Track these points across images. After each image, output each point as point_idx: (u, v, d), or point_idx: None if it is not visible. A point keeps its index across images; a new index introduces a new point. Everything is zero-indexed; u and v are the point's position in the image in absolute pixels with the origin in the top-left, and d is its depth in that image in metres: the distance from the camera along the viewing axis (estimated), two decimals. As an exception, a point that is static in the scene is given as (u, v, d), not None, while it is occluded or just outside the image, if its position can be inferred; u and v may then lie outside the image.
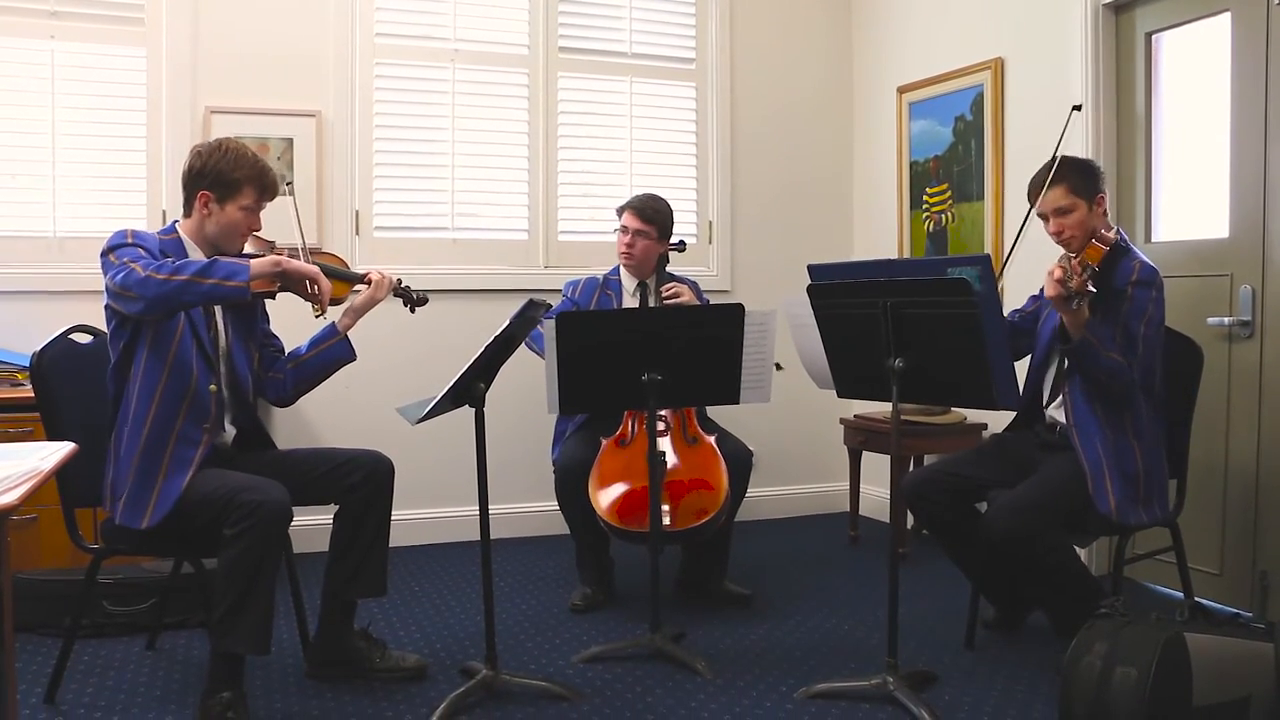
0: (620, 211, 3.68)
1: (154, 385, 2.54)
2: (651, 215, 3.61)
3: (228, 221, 2.65)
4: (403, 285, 2.97)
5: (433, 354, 4.09)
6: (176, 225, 2.70)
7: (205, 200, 2.64)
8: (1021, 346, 3.04)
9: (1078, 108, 2.87)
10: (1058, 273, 2.57)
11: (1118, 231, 2.88)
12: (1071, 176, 2.83)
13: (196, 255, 2.65)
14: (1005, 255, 2.88)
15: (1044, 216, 2.90)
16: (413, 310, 3.02)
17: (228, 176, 2.63)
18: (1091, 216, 2.84)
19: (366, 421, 4.04)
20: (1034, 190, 2.91)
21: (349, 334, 2.89)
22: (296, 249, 2.75)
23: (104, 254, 2.51)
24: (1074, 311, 2.62)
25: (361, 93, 4.21)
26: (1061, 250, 2.90)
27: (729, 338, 2.93)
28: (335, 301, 2.79)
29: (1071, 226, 2.84)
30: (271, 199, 2.73)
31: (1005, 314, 2.73)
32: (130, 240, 2.53)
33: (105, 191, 3.92)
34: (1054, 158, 2.86)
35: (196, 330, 2.61)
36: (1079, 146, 3.64)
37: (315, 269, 2.61)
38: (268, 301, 2.85)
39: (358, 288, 2.90)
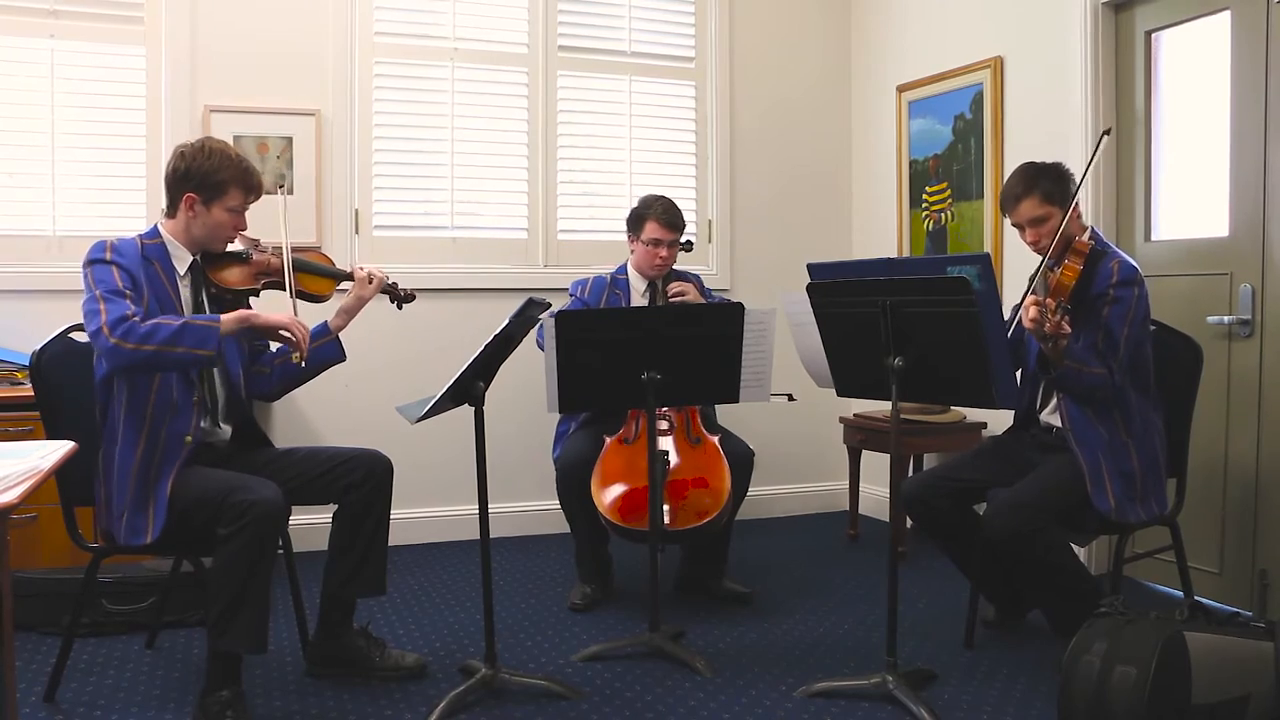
0: (639, 223, 3.58)
1: (142, 405, 2.54)
2: (680, 223, 3.57)
3: (214, 223, 2.65)
4: (389, 282, 2.96)
5: (432, 353, 4.09)
6: (159, 227, 2.69)
7: (191, 202, 2.63)
8: (1020, 358, 3.03)
9: (1108, 132, 2.86)
10: (1033, 311, 2.55)
11: (1092, 233, 2.88)
12: (1043, 184, 2.83)
13: (181, 255, 2.67)
14: (1039, 264, 2.89)
15: (1019, 226, 2.90)
16: (399, 307, 3.00)
17: (213, 178, 2.61)
18: (1067, 223, 2.84)
19: (366, 420, 4.04)
20: (1006, 202, 2.91)
21: (340, 334, 2.88)
22: (280, 248, 2.76)
23: (84, 266, 2.54)
24: (1051, 348, 2.62)
25: (361, 91, 4.21)
26: (1034, 261, 2.90)
27: (729, 336, 2.93)
28: (320, 299, 2.84)
29: (1047, 235, 2.83)
30: (257, 199, 2.72)
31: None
32: (109, 256, 2.52)
33: (104, 190, 3.92)
34: (1057, 166, 2.85)
35: None
36: (1079, 145, 3.65)
37: (286, 317, 2.58)
38: (253, 300, 2.86)
39: (344, 285, 2.89)
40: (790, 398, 3.35)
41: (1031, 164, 2.89)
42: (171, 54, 3.95)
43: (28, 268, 3.80)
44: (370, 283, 2.85)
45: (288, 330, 2.57)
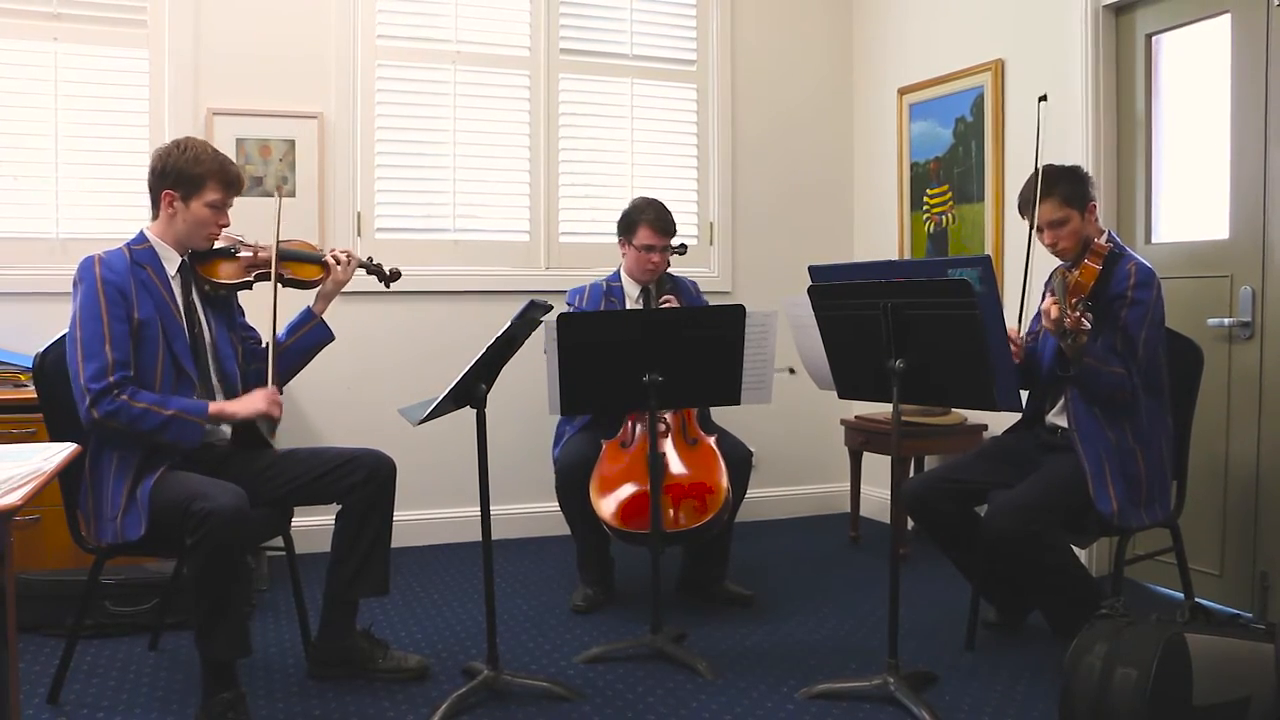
0: (631, 228, 3.60)
1: None
2: (672, 227, 3.60)
3: (194, 219, 2.67)
4: (374, 262, 2.99)
5: (434, 355, 4.10)
6: (145, 232, 2.71)
7: (170, 199, 2.66)
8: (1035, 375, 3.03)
9: (1043, 98, 2.86)
10: (1054, 312, 2.56)
11: (1109, 236, 2.89)
12: (1062, 186, 2.83)
13: (170, 256, 2.69)
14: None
15: (1037, 229, 2.90)
16: (387, 285, 3.04)
17: (189, 173, 2.64)
18: (1085, 224, 2.84)
19: (368, 422, 4.05)
20: (1025, 205, 2.91)
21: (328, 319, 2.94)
22: (267, 245, 2.80)
23: (72, 283, 2.58)
24: (1071, 345, 2.61)
25: (363, 94, 4.22)
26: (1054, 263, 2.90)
27: (730, 338, 2.93)
28: (311, 284, 2.89)
29: (1066, 237, 2.84)
30: (237, 194, 2.75)
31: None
32: (98, 273, 2.54)
33: (108, 193, 3.92)
34: (1039, 169, 2.85)
35: (172, 348, 2.61)
36: (1079, 148, 3.65)
37: (262, 400, 2.64)
38: (244, 291, 2.88)
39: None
40: (790, 370, 3.36)
41: (1050, 166, 2.89)
42: (174, 57, 3.96)
43: (31, 270, 3.80)
44: (344, 265, 2.89)
45: (265, 413, 2.65)
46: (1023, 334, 2.93)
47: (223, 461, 2.70)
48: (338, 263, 2.88)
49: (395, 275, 3.03)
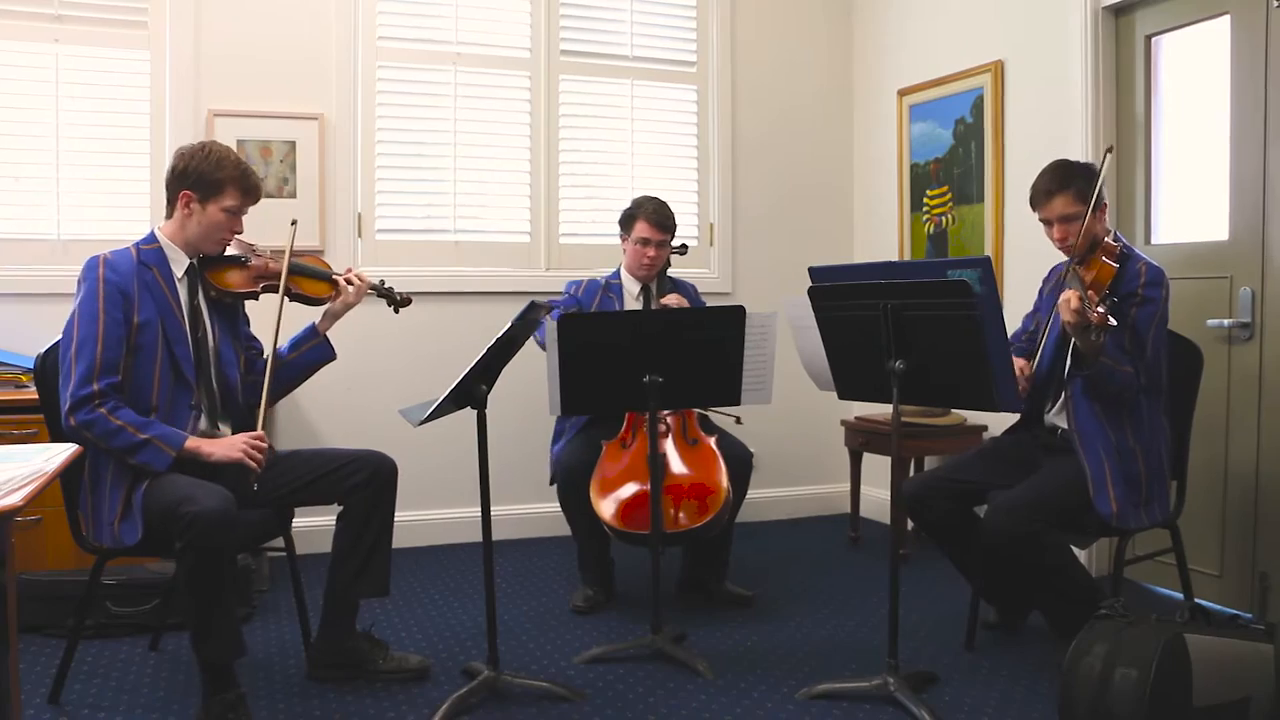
0: (629, 222, 3.63)
1: (141, 411, 2.55)
2: (669, 223, 3.61)
3: (209, 222, 2.67)
4: (385, 286, 2.99)
5: (435, 356, 4.10)
6: (156, 232, 2.71)
7: (187, 200, 2.65)
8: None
9: (1110, 150, 2.86)
10: (1075, 302, 2.53)
11: (1115, 236, 2.89)
12: (1077, 182, 2.82)
13: (178, 258, 2.69)
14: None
15: (1048, 222, 2.89)
16: (396, 310, 3.04)
17: (210, 177, 2.64)
18: (1095, 222, 2.84)
19: (369, 423, 4.05)
20: (1037, 198, 2.90)
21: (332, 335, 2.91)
22: (279, 252, 2.79)
23: (77, 281, 2.57)
24: (1092, 341, 2.60)
25: (364, 95, 4.22)
26: (1061, 258, 2.90)
27: (730, 340, 2.94)
28: (318, 301, 2.87)
29: (1076, 234, 2.83)
30: (254, 201, 2.74)
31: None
32: (101, 273, 2.53)
33: (108, 194, 3.93)
34: (1061, 163, 2.86)
35: (173, 352, 2.61)
36: (1079, 148, 3.66)
37: (240, 447, 2.55)
38: (251, 303, 2.88)
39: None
40: (737, 420, 3.54)
41: (1066, 161, 2.90)
42: (175, 58, 3.96)
43: (32, 271, 3.81)
44: (353, 287, 2.87)
45: (241, 460, 2.55)
46: (1019, 332, 2.93)
47: (224, 462, 2.70)
48: (349, 284, 2.87)
49: (405, 301, 3.02)
